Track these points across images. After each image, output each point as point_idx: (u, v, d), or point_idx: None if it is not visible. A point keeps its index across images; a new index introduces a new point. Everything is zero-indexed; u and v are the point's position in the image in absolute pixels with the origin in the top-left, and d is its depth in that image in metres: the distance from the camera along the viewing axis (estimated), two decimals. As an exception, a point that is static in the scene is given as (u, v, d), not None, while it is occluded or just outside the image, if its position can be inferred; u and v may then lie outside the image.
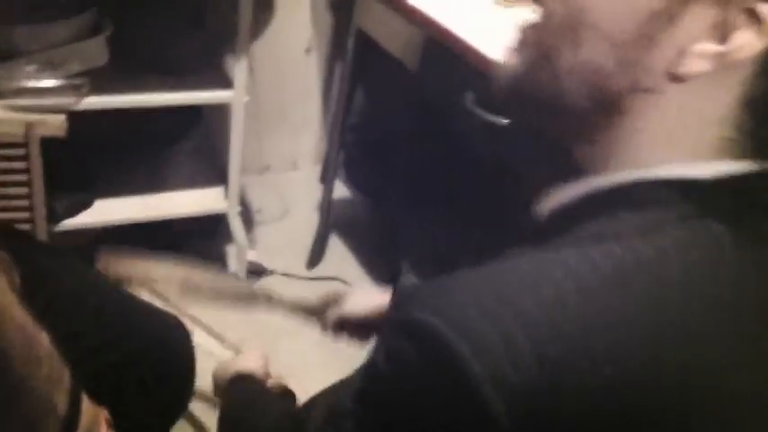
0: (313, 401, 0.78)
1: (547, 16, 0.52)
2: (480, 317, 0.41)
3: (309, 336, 1.88)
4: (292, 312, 1.16)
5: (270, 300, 1.16)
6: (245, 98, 1.62)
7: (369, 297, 1.06)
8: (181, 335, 1.00)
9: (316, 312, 1.14)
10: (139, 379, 0.88)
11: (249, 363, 1.05)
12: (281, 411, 0.84)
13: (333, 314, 1.09)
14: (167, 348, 0.96)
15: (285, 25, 2.13)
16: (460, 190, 1.78)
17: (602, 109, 0.50)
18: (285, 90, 2.27)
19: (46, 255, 0.89)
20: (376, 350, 0.47)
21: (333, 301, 1.12)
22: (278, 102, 2.28)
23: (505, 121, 1.25)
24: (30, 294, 0.60)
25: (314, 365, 1.75)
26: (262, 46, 2.11)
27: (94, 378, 0.67)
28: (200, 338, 1.20)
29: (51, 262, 0.87)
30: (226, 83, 1.63)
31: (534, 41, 0.53)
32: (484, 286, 0.44)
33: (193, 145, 1.95)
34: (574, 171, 0.53)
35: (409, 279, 0.99)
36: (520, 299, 0.42)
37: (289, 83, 2.27)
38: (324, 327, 1.12)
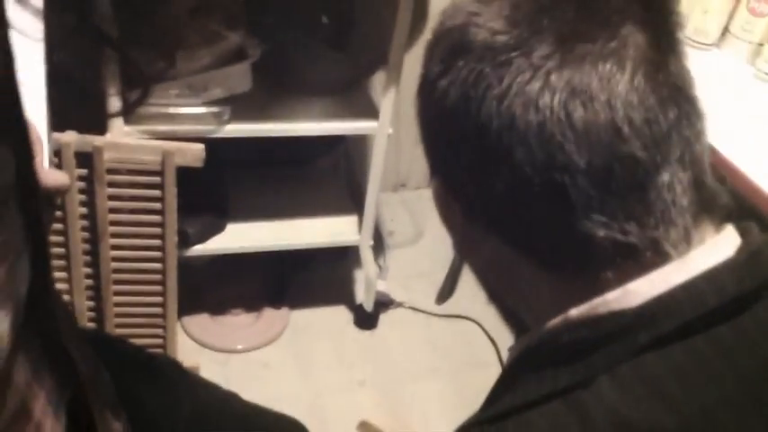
0: None
1: None
2: None
3: (436, 381, 1.78)
4: None
5: None
6: (389, 130, 1.49)
7: None
8: None
9: None
10: None
11: None
12: None
13: None
14: None
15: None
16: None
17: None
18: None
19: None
20: None
21: None
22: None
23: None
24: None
25: (438, 412, 1.63)
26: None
27: None
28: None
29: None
30: (370, 110, 1.52)
31: None
32: None
33: (331, 165, 1.86)
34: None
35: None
36: None
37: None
38: None
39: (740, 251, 0.48)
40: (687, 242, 0.47)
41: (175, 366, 0.79)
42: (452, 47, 0.49)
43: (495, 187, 0.48)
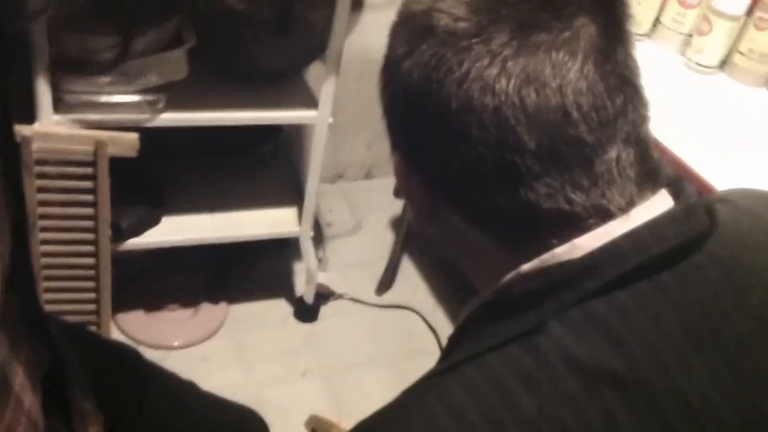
0: None
1: None
2: None
3: (378, 370, 1.77)
4: None
5: None
6: (330, 119, 1.48)
7: None
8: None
9: None
10: None
11: None
12: None
13: None
14: None
15: (371, 29, 1.98)
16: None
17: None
18: (366, 94, 2.13)
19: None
20: None
21: None
22: (357, 105, 2.14)
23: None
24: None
25: (381, 402, 1.62)
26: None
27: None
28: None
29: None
30: (309, 99, 1.50)
31: None
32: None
33: (269, 155, 1.83)
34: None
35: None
36: None
37: (371, 87, 2.12)
38: None
39: (678, 204, 0.52)
40: (631, 206, 0.51)
41: (135, 353, 0.77)
42: (416, 30, 0.51)
43: (452, 162, 0.51)
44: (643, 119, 0.52)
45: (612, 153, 0.50)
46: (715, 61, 1.42)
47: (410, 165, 0.56)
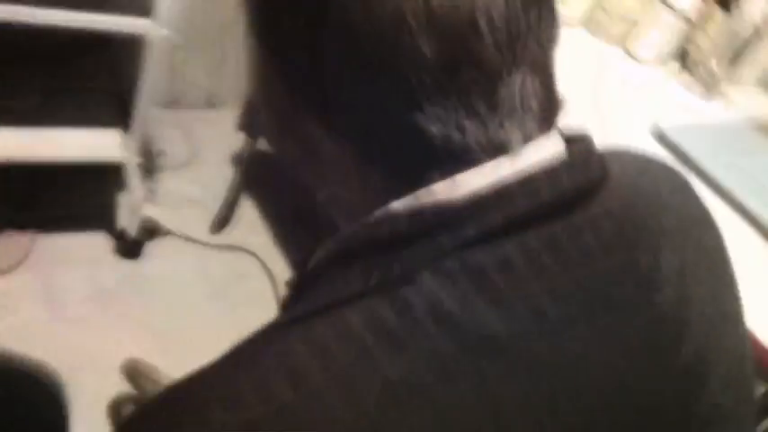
0: None
1: None
2: None
3: (210, 315, 1.64)
4: None
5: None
6: (165, 32, 1.31)
7: None
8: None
9: None
10: None
11: None
12: None
13: None
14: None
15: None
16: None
17: None
18: (211, 12, 1.94)
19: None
20: None
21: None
22: (204, 25, 1.95)
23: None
24: None
25: (214, 348, 1.49)
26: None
27: None
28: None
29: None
30: (143, 6, 1.31)
31: None
32: None
33: (95, 68, 1.62)
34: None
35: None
36: None
37: (222, 7, 1.93)
38: None
39: (575, 148, 0.46)
40: (527, 142, 0.44)
41: None
42: None
43: (330, 65, 0.42)
44: (551, 41, 0.45)
45: (517, 78, 0.42)
46: (577, 14, 1.39)
47: (276, 62, 0.45)
